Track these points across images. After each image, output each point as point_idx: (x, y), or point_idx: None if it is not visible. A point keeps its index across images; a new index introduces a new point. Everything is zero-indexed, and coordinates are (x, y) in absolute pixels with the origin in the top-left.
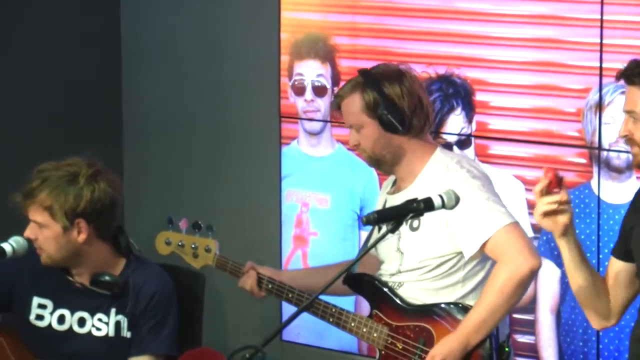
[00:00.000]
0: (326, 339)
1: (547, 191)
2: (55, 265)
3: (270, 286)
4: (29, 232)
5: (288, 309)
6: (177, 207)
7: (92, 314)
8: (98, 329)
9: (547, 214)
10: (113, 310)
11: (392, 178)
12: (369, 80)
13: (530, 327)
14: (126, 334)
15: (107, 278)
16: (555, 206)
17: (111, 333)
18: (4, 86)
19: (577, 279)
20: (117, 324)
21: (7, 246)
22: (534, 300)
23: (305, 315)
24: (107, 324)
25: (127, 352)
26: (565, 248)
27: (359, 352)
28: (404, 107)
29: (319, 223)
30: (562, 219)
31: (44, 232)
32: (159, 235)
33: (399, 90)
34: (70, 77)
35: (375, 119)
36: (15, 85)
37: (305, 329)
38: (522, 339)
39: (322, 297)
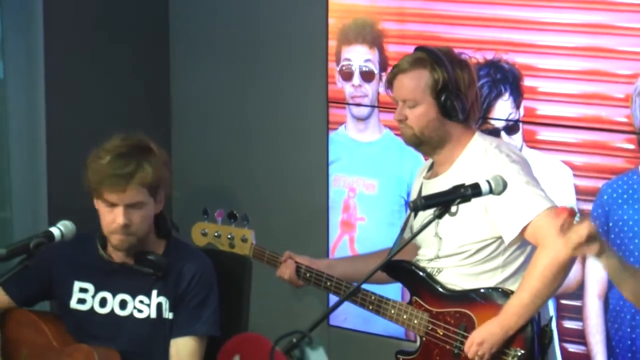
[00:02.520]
0: (373, 324)
1: (568, 225)
2: (133, 249)
3: (308, 275)
4: (125, 218)
5: (335, 295)
6: (226, 193)
7: (134, 296)
8: (140, 311)
9: (579, 245)
10: (154, 292)
11: (428, 163)
12: (438, 60)
13: (578, 313)
14: (168, 315)
15: (151, 257)
16: (583, 239)
17: (153, 315)
18: (53, 81)
19: (627, 289)
20: (159, 306)
21: (55, 230)
22: (581, 286)
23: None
24: (148, 305)
25: (169, 333)
26: (606, 265)
27: (406, 337)
28: (467, 96)
29: (366, 208)
30: (595, 244)
31: (142, 212)
32: (195, 227)
33: (466, 78)
34: (118, 67)
35: (436, 100)
36: (61, 78)
37: (351, 314)
38: (569, 324)
39: (363, 285)
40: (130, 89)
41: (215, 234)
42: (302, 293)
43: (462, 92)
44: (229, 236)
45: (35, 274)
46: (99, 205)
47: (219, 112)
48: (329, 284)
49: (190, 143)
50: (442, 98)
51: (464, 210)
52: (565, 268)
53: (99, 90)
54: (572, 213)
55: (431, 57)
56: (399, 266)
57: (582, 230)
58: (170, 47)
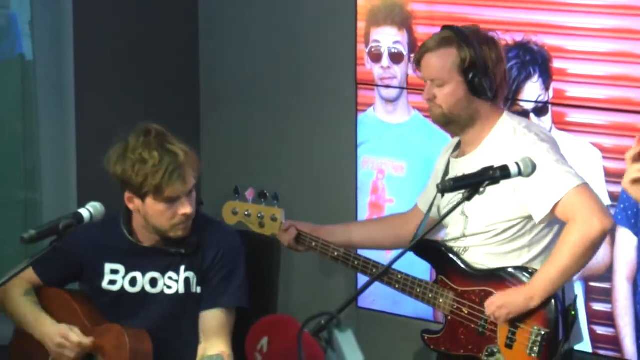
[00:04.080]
0: (401, 306)
1: (639, 158)
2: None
3: (314, 244)
4: (191, 206)
5: (363, 276)
6: (254, 175)
7: (163, 274)
8: (169, 287)
9: (637, 181)
10: (182, 268)
11: (454, 141)
12: (465, 38)
13: (607, 296)
14: (196, 289)
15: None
16: None
17: (181, 290)
18: (83, 62)
19: None
20: (187, 281)
21: (84, 212)
22: (610, 269)
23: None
24: (176, 281)
25: (198, 307)
26: None
27: (435, 319)
28: (496, 74)
29: (394, 190)
30: None
31: (194, 194)
32: (226, 205)
33: (494, 56)
34: (147, 46)
35: (464, 78)
36: (91, 60)
37: (380, 296)
38: (598, 307)
39: (364, 254)
40: (160, 69)
41: (246, 213)
42: (330, 274)
43: (490, 70)
44: (259, 215)
45: (63, 258)
46: (155, 206)
47: (249, 93)
48: (336, 254)
49: (221, 124)
50: (470, 76)
51: (492, 189)
52: (595, 245)
53: (128, 71)
54: None
55: (458, 35)
56: (427, 245)
57: None
58: (199, 28)
